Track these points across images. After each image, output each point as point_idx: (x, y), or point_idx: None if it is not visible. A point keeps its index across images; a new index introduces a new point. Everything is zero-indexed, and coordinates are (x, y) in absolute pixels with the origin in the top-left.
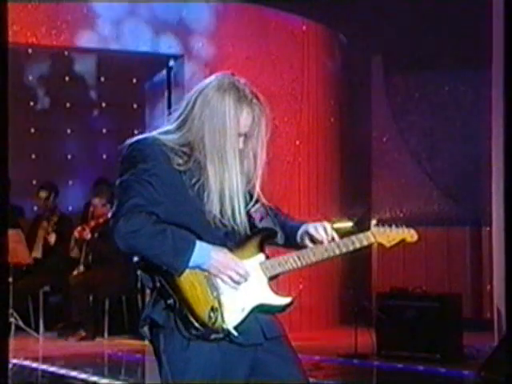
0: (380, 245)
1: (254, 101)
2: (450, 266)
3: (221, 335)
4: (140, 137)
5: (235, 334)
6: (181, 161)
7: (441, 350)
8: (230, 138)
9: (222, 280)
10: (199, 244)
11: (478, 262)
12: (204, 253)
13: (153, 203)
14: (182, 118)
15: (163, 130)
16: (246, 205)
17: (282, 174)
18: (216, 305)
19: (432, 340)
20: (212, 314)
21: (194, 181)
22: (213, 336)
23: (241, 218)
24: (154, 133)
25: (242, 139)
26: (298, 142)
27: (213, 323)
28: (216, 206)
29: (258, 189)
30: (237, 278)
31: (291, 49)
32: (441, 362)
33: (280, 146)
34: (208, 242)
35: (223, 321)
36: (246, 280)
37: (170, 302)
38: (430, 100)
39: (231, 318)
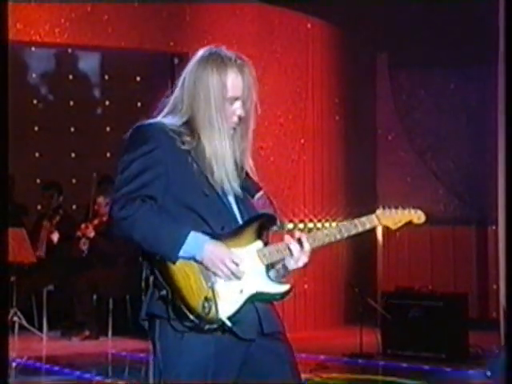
0: (385, 245)
1: (239, 61)
2: (456, 265)
3: (215, 326)
4: (142, 122)
5: (229, 324)
6: (186, 139)
7: (446, 350)
8: (216, 102)
9: (215, 273)
10: (193, 234)
11: (483, 262)
12: (197, 244)
13: (150, 186)
14: (176, 96)
15: (164, 113)
16: (248, 189)
17: (287, 172)
18: (210, 295)
19: (437, 340)
20: (206, 304)
21: (196, 157)
22: (207, 327)
23: (233, 183)
24: (158, 118)
25: (239, 104)
26: (302, 141)
27: (206, 313)
28: (210, 171)
29: (253, 171)
30: (228, 273)
31: (296, 47)
32: (446, 361)
33: (285, 144)
34: (212, 224)
35: (217, 311)
36: (239, 277)
37: (163, 293)
38: (436, 98)
39: (226, 308)
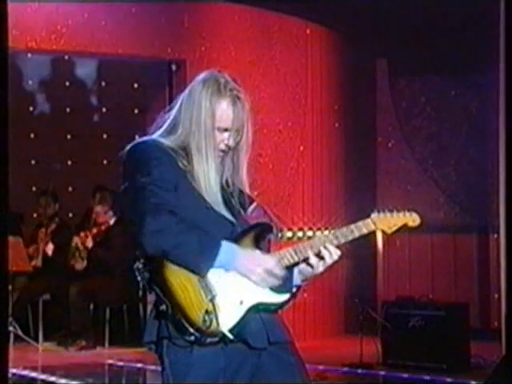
0: (385, 254)
1: (235, 92)
2: (457, 273)
3: (216, 339)
4: (139, 140)
5: (230, 336)
6: (182, 161)
7: (447, 360)
8: (205, 130)
9: (253, 280)
10: (225, 243)
11: (485, 270)
12: (231, 253)
13: (168, 203)
14: (175, 116)
15: (160, 132)
16: (241, 205)
17: (286, 179)
18: (210, 308)
19: (438, 349)
20: (206, 318)
21: (191, 178)
22: (208, 340)
23: (222, 205)
24: (154, 136)
25: (228, 135)
26: (301, 148)
27: (207, 327)
28: (203, 196)
29: (247, 189)
30: (265, 275)
31: (295, 53)
32: (447, 371)
33: (283, 152)
34: (217, 237)
35: (218, 324)
36: (277, 278)
37: (163, 307)
38: (436, 105)
39: (226, 320)
